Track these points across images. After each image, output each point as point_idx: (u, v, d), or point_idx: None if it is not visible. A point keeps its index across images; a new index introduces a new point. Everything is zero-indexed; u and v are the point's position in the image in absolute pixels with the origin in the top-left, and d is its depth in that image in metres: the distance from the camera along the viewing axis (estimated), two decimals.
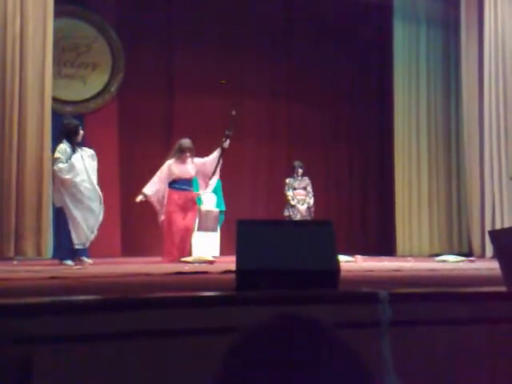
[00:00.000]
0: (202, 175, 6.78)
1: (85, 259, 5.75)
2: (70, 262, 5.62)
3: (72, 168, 5.75)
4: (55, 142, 6.20)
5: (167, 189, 6.64)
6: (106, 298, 2.17)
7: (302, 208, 8.20)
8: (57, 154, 5.85)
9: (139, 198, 6.60)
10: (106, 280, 3.56)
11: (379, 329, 2.11)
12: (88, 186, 5.80)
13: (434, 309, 2.30)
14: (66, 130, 5.94)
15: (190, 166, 6.77)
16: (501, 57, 8.22)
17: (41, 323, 1.84)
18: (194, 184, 7.45)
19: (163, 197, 6.62)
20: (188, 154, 6.71)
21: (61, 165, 5.76)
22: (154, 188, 6.60)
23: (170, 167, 6.68)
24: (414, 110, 9.28)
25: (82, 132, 6.00)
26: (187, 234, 6.57)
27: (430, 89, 9.35)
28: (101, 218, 5.89)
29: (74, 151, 5.85)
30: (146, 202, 8.62)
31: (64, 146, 5.86)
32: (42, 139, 6.62)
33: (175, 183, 6.65)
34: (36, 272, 4.31)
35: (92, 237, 5.83)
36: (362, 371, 0.77)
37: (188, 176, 6.72)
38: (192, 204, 6.72)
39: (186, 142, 6.88)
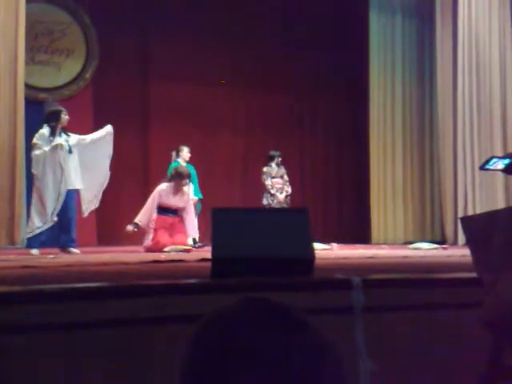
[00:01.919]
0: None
1: (73, 250, 5.66)
2: (35, 251, 5.50)
3: (44, 158, 5.60)
4: (29, 130, 6.10)
5: (155, 214, 6.58)
6: (80, 286, 2.16)
7: (281, 196, 8.23)
8: (34, 140, 5.71)
9: (131, 228, 6.49)
10: (80, 269, 3.54)
11: (352, 314, 2.14)
12: (52, 182, 5.60)
13: (407, 294, 2.35)
14: (46, 115, 5.80)
15: (182, 198, 6.70)
16: (474, 48, 8.32)
17: (12, 312, 1.83)
18: (193, 189, 7.40)
19: (151, 221, 6.56)
20: (186, 181, 6.67)
21: (37, 151, 5.62)
22: (146, 218, 6.52)
23: (163, 196, 6.58)
24: (389, 99, 9.36)
25: (66, 117, 5.83)
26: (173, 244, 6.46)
27: (405, 79, 9.43)
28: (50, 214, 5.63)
29: (53, 136, 5.69)
30: (124, 191, 8.54)
31: (43, 131, 5.71)
32: (15, 127, 6.50)
33: (163, 210, 6.60)
34: (8, 261, 4.26)
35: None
36: (336, 356, 0.78)
37: (175, 208, 6.68)
38: (179, 226, 6.63)
39: (185, 170, 6.87)
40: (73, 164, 5.78)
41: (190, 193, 7.27)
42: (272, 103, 9.71)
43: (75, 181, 5.79)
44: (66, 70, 8.48)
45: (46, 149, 5.65)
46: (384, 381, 2.14)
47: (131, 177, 8.74)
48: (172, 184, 6.66)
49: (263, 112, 9.75)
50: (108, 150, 6.02)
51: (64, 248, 5.68)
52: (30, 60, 7.92)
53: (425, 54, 9.46)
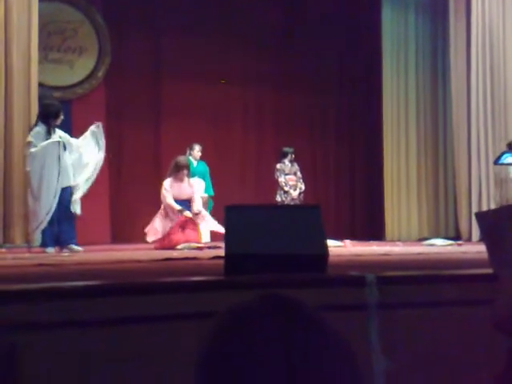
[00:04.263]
0: None
1: (74, 247, 5.60)
2: (50, 250, 5.44)
3: (39, 156, 5.43)
4: None
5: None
6: (95, 284, 2.16)
7: (295, 193, 8.21)
8: (29, 138, 5.52)
9: (190, 214, 6.50)
10: (94, 267, 3.56)
11: (367, 312, 2.12)
12: (47, 182, 5.43)
13: (421, 291, 2.33)
14: (45, 112, 5.62)
15: (187, 186, 6.71)
16: (488, 43, 8.24)
17: (26, 310, 1.84)
18: (205, 186, 7.38)
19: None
20: (185, 172, 6.67)
21: (32, 149, 5.44)
22: (175, 205, 6.50)
23: (169, 188, 6.59)
24: (402, 96, 9.29)
25: (62, 117, 5.68)
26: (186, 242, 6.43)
27: (419, 75, 9.36)
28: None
29: (49, 134, 5.52)
30: (137, 189, 8.56)
31: (37, 129, 5.54)
32: (29, 125, 6.55)
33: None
34: (23, 259, 4.29)
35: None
36: (349, 353, 0.77)
37: (185, 197, 6.65)
38: (191, 223, 6.61)
39: (183, 159, 6.87)
40: (69, 161, 5.63)
41: (200, 188, 7.27)
42: (284, 100, 9.68)
43: (71, 178, 5.63)
44: (79, 68, 8.52)
45: (43, 144, 5.45)
46: (399, 378, 2.13)
47: (144, 175, 8.77)
48: (173, 177, 6.66)
49: (275, 109, 9.73)
50: (95, 145, 5.82)
51: (65, 245, 5.55)
52: (43, 58, 7.96)
53: (438, 49, 9.38)
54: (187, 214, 6.50)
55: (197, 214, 6.58)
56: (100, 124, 5.95)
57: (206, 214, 6.89)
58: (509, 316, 1.31)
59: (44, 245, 5.58)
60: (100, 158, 5.88)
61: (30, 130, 5.71)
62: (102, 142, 5.91)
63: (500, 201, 7.97)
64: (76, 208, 5.70)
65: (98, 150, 5.87)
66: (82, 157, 5.80)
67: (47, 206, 5.42)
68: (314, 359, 0.73)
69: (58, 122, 5.67)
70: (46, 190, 5.42)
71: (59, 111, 5.66)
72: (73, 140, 5.80)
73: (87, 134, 5.92)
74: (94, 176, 5.88)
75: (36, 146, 5.47)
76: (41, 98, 6.36)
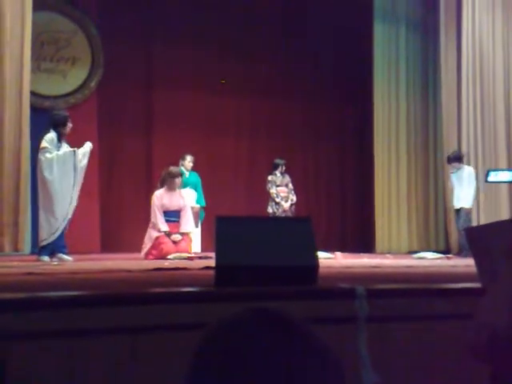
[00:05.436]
0: None
1: (64, 256, 5.62)
2: (46, 258, 5.49)
3: (56, 161, 5.59)
4: (34, 137, 6.11)
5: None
6: (85, 293, 2.16)
7: (286, 205, 8.22)
8: (44, 144, 5.66)
9: (178, 238, 6.47)
10: (84, 276, 3.54)
11: (356, 324, 2.13)
12: (60, 185, 5.57)
13: (411, 304, 2.34)
14: (53, 121, 5.78)
15: (179, 197, 6.69)
16: (478, 59, 8.34)
17: (15, 319, 1.83)
18: (197, 196, 7.41)
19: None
20: (178, 180, 6.66)
21: (48, 155, 5.60)
22: (163, 222, 6.47)
23: (161, 198, 6.55)
24: (393, 110, 9.36)
25: (70, 125, 5.83)
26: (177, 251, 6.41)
27: (410, 89, 9.44)
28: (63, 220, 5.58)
29: (61, 142, 5.72)
30: (128, 198, 8.54)
31: (51, 136, 5.70)
32: (20, 134, 6.53)
33: (165, 214, 6.54)
34: (12, 268, 4.27)
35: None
36: (337, 367, 0.78)
37: (176, 208, 6.62)
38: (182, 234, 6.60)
39: (176, 168, 6.89)
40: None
41: (192, 199, 7.26)
42: (276, 111, 9.72)
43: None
44: (72, 78, 8.53)
45: (60, 152, 5.65)
46: None
47: (135, 184, 8.76)
48: (165, 187, 6.63)
49: (267, 120, 9.76)
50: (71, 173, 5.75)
51: (55, 254, 5.58)
52: (36, 68, 7.96)
53: (429, 64, 9.47)
54: (174, 238, 6.45)
55: (183, 234, 6.54)
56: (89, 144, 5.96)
57: (194, 230, 6.88)
58: (487, 341, 1.17)
59: (40, 253, 5.59)
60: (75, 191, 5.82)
61: (42, 136, 5.79)
62: (84, 163, 5.84)
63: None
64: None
65: (72, 180, 5.79)
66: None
67: (63, 212, 5.58)
68: (302, 373, 0.74)
69: (68, 130, 5.83)
70: (63, 197, 5.59)
71: (66, 120, 5.83)
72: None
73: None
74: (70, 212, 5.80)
75: (51, 152, 5.62)
76: (50, 109, 6.46)
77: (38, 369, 1.81)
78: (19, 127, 6.53)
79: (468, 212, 7.56)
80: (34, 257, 5.74)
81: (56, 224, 5.58)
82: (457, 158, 7.63)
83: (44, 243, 5.59)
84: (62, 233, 5.73)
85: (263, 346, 0.73)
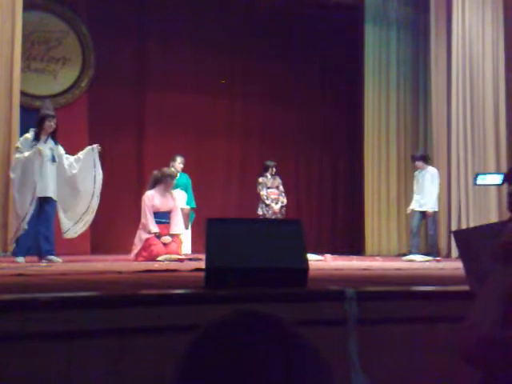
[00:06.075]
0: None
1: (53, 258, 5.55)
2: (20, 259, 5.41)
3: (22, 162, 5.49)
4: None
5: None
6: (74, 295, 2.15)
7: (276, 207, 8.23)
8: (17, 143, 5.69)
9: (168, 239, 6.41)
10: (74, 278, 3.53)
11: (346, 326, 2.14)
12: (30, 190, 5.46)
13: (400, 307, 2.35)
14: (37, 118, 5.71)
15: (170, 198, 6.65)
16: (468, 61, 8.39)
17: (8, 321, 1.82)
18: (188, 199, 7.44)
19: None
20: (170, 181, 6.61)
21: (17, 155, 5.53)
22: (153, 224, 6.43)
23: (152, 199, 6.50)
24: (383, 112, 9.41)
25: (50, 124, 5.65)
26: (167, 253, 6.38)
27: (400, 90, 9.49)
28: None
29: (37, 141, 5.56)
30: (119, 200, 8.52)
31: (27, 135, 5.63)
32: (10, 134, 6.50)
33: (155, 216, 6.49)
34: (2, 269, 4.24)
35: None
36: (326, 370, 0.78)
37: (167, 209, 6.58)
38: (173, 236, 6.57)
39: (169, 169, 6.87)
40: (52, 173, 5.63)
41: (182, 200, 7.23)
42: (268, 115, 9.74)
43: (50, 190, 5.61)
44: (62, 78, 8.50)
45: (26, 154, 5.52)
46: None
47: (126, 186, 8.73)
48: (158, 187, 6.59)
49: (259, 123, 9.78)
50: (91, 169, 5.88)
51: (44, 256, 5.52)
52: (26, 68, 7.93)
53: (419, 66, 9.53)
54: (164, 239, 6.41)
55: (174, 236, 6.52)
56: (97, 146, 5.97)
57: (184, 232, 6.87)
58: (473, 349, 1.16)
59: (15, 253, 5.55)
60: (97, 186, 5.92)
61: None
62: (98, 166, 5.95)
63: None
64: (69, 234, 5.83)
65: (93, 175, 5.89)
66: (76, 180, 5.83)
67: (23, 213, 5.47)
68: (292, 375, 0.74)
69: (49, 130, 5.68)
70: (24, 197, 5.48)
71: (43, 119, 5.66)
72: (66, 156, 5.85)
73: (81, 155, 5.94)
74: (95, 205, 5.92)
75: (21, 152, 5.54)
76: (39, 109, 6.42)
77: (31, 371, 1.80)
78: (9, 127, 6.50)
79: (433, 215, 7.56)
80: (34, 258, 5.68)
81: (16, 223, 5.54)
82: (422, 158, 7.62)
83: (13, 241, 5.59)
84: (52, 234, 5.70)
85: (252, 349, 0.74)
